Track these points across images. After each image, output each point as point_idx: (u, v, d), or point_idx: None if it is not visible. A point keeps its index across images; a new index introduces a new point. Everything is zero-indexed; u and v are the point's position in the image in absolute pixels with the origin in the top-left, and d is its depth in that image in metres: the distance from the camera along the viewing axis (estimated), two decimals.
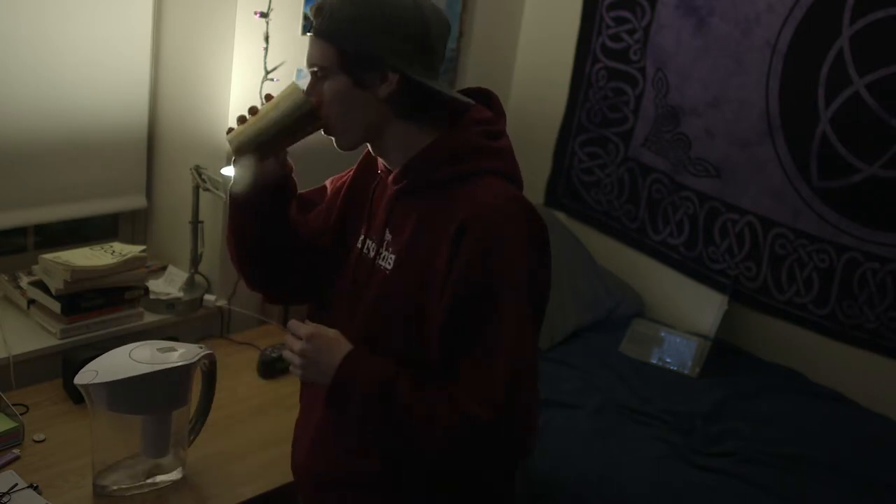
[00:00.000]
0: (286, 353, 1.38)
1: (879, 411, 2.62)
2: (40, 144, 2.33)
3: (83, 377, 1.69)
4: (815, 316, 2.77)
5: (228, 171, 2.26)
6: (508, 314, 1.27)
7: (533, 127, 3.29)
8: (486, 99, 1.42)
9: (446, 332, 1.29)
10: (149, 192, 2.64)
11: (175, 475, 1.86)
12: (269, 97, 1.39)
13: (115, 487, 1.79)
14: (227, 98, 2.42)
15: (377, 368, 1.31)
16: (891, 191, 2.54)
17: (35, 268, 2.30)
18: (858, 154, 2.58)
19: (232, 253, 1.55)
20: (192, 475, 1.89)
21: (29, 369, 2.13)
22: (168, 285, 2.49)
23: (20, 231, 2.47)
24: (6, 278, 2.36)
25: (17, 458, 1.84)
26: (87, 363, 1.74)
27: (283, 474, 1.72)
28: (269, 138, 1.36)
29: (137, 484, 1.81)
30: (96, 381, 1.68)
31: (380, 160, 1.43)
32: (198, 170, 2.36)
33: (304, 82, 1.37)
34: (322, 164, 1.78)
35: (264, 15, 2.36)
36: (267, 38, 2.37)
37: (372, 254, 1.41)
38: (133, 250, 2.29)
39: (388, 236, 1.38)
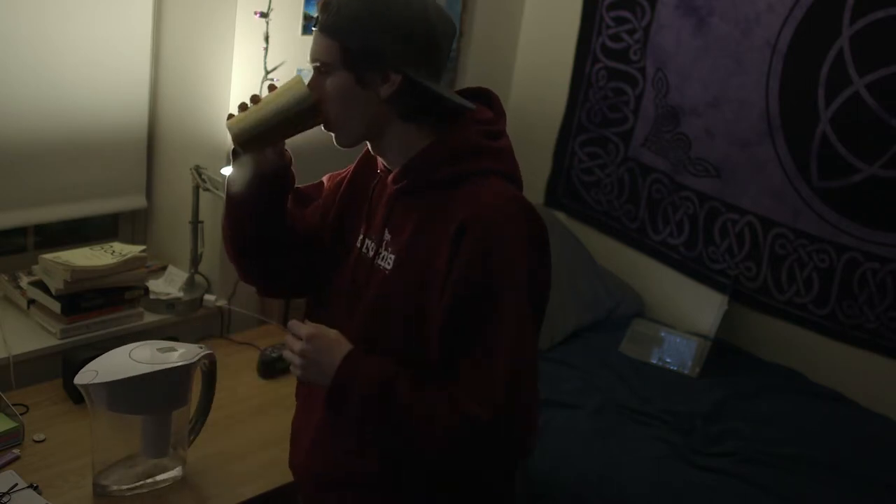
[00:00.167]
0: (286, 354, 1.38)
1: (879, 411, 2.62)
2: (40, 144, 2.33)
3: (83, 377, 1.69)
4: (815, 316, 2.77)
5: (228, 171, 2.26)
6: (508, 314, 1.27)
7: (533, 127, 3.28)
8: (486, 99, 1.42)
9: (446, 332, 1.29)
10: (149, 192, 2.64)
11: (175, 475, 1.86)
12: (272, 87, 1.39)
13: (115, 487, 1.79)
14: (226, 98, 2.42)
15: (377, 369, 1.31)
16: (891, 191, 2.54)
17: (35, 268, 2.30)
18: (858, 154, 2.58)
19: (227, 246, 1.55)
20: (192, 475, 1.88)
21: (29, 369, 2.13)
22: (168, 285, 2.49)
23: (20, 231, 2.47)
24: (6, 278, 2.36)
25: (17, 458, 1.84)
26: (87, 363, 1.74)
27: (283, 474, 1.72)
28: (268, 128, 1.37)
29: (137, 484, 1.81)
30: (96, 381, 1.68)
31: (379, 159, 1.43)
32: (198, 170, 2.36)
33: (307, 76, 1.37)
34: (321, 159, 1.78)
35: (264, 15, 2.36)
36: (267, 38, 2.38)
37: (371, 253, 1.41)
38: (133, 250, 2.29)
39: (387, 236, 1.38)
